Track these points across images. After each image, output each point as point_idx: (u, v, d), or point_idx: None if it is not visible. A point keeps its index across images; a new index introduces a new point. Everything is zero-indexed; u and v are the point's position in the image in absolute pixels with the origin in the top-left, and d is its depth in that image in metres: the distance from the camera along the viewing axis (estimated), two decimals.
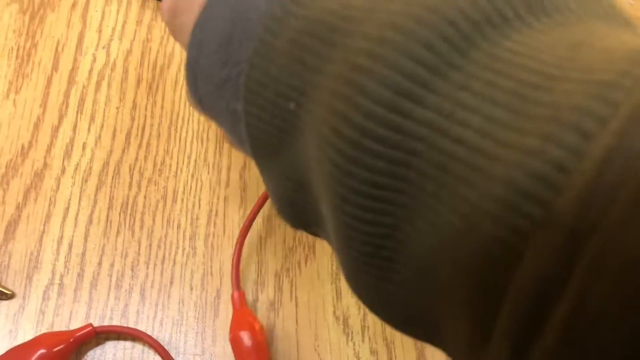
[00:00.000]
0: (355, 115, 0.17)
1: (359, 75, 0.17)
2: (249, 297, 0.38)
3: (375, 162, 0.17)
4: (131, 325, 0.37)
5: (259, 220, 0.40)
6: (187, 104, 0.43)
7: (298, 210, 0.23)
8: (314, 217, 0.22)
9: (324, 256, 0.39)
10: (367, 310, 0.36)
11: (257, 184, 0.41)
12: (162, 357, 0.35)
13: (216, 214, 0.40)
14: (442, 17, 0.16)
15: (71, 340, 0.34)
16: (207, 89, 0.23)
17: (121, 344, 0.36)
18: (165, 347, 0.36)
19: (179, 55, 0.45)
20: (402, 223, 0.17)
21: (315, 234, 0.25)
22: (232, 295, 0.37)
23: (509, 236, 0.14)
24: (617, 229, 0.13)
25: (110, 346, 0.36)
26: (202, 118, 0.43)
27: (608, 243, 0.13)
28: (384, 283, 0.19)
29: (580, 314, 0.13)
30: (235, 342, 0.35)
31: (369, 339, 0.37)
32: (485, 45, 0.16)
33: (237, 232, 0.39)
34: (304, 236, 0.40)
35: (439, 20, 0.16)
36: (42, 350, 0.34)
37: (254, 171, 0.41)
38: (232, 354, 0.35)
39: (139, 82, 0.44)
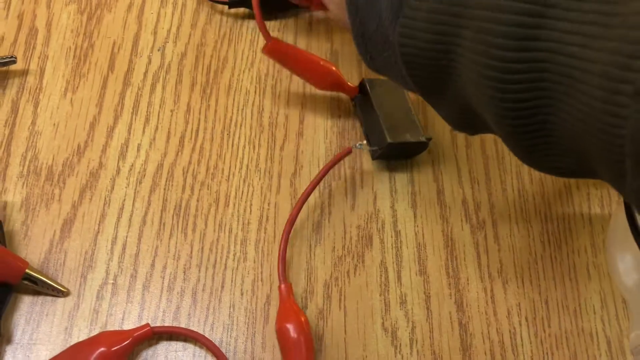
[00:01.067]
0: (498, 63, 0.25)
1: (491, 36, 0.25)
2: (298, 304, 0.38)
3: (518, 84, 0.25)
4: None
5: (308, 228, 0.40)
6: (240, 109, 0.44)
7: (466, 124, 0.32)
8: (480, 124, 0.30)
9: (372, 266, 0.39)
10: (415, 323, 0.36)
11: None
12: (218, 359, 0.36)
13: (267, 220, 0.40)
14: None
15: (130, 339, 0.35)
16: (378, 59, 0.32)
17: (172, 345, 0.37)
18: None
19: (232, 59, 0.46)
20: (550, 117, 0.25)
21: (478, 133, 0.33)
22: (279, 288, 0.37)
23: (613, 108, 0.22)
24: None
25: (162, 347, 0.37)
26: (255, 124, 0.43)
27: None
28: (546, 155, 0.27)
29: None
30: (281, 332, 0.36)
31: (417, 352, 0.37)
32: None
33: None
34: (353, 245, 0.40)
35: None
36: (102, 349, 0.34)
37: (304, 178, 0.42)
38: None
39: (193, 85, 0.44)
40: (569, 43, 0.23)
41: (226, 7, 0.47)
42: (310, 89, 0.45)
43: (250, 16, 0.47)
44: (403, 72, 0.30)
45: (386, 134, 0.39)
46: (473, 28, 0.26)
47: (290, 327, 0.36)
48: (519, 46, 0.24)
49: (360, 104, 0.43)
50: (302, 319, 0.36)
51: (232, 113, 0.44)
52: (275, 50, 0.41)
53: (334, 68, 0.42)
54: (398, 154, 0.42)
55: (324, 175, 0.39)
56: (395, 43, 0.29)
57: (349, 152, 0.40)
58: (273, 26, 0.47)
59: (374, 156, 0.42)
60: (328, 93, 0.45)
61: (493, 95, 0.26)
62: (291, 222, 0.38)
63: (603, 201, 0.42)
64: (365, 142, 0.41)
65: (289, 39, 0.47)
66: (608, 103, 0.22)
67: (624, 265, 0.38)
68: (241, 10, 0.47)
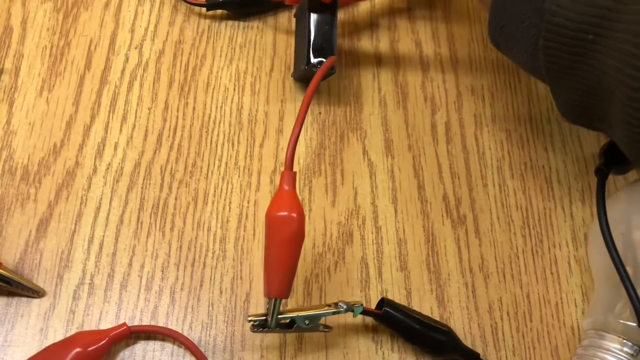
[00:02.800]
0: None
1: None
2: None
3: None
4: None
5: None
6: (219, 106, 0.43)
7: (582, 112, 0.32)
8: (597, 115, 0.30)
9: (353, 263, 0.39)
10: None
11: None
12: (197, 358, 0.35)
13: (246, 218, 0.40)
14: None
15: (106, 339, 0.34)
16: (510, 29, 0.32)
17: (150, 345, 0.36)
18: None
19: (210, 57, 0.45)
20: None
21: (594, 128, 0.34)
22: (282, 174, 0.33)
23: None
24: None
25: (140, 347, 0.36)
26: (234, 121, 0.43)
27: None
28: None
29: None
30: (273, 219, 0.32)
31: (398, 348, 0.37)
32: None
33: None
34: (333, 242, 0.40)
35: None
36: (78, 349, 0.34)
37: None
38: None
39: (171, 83, 0.44)
40: None
41: (204, 9, 0.46)
42: (291, 85, 0.44)
43: (229, 17, 0.47)
44: (540, 42, 0.30)
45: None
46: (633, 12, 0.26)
47: (286, 217, 0.32)
48: None
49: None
50: (300, 212, 0.32)
51: (211, 110, 0.43)
52: None
53: None
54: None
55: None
56: (546, 10, 0.29)
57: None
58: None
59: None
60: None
61: (633, 86, 0.26)
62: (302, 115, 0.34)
63: (584, 195, 0.42)
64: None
65: (268, 37, 0.46)
66: None
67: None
68: (219, 11, 0.47)
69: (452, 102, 0.45)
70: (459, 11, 0.48)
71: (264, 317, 0.33)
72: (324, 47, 0.40)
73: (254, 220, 0.40)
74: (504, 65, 0.47)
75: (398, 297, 0.38)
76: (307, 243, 0.40)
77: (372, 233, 0.40)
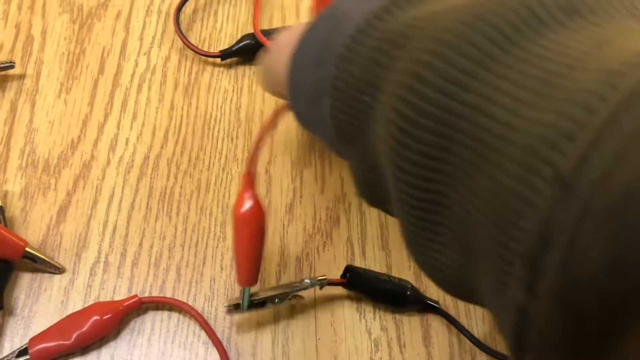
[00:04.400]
0: (413, 98, 0.21)
1: (420, 67, 0.21)
2: (272, 278, 0.42)
3: (427, 136, 0.21)
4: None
5: (282, 210, 0.45)
6: (219, 106, 0.48)
7: (372, 190, 0.28)
8: (383, 194, 0.26)
9: (340, 243, 0.44)
10: None
11: (280, 178, 0.46)
12: (200, 324, 0.40)
13: None
14: (488, 22, 0.21)
15: (120, 308, 0.39)
16: (304, 104, 0.29)
17: (159, 314, 0.41)
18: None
19: (212, 61, 0.50)
20: (448, 190, 0.21)
21: (386, 211, 0.29)
22: (243, 176, 0.37)
23: (526, 191, 0.18)
24: (602, 182, 0.16)
25: (149, 316, 0.41)
26: (233, 119, 0.48)
27: (596, 193, 0.16)
28: (434, 245, 0.23)
29: (574, 251, 0.17)
30: (237, 218, 0.37)
31: (380, 317, 0.41)
32: (523, 42, 0.20)
33: None
34: (322, 225, 0.44)
35: (485, 25, 0.21)
36: (95, 317, 0.38)
37: (278, 166, 0.46)
38: (256, 326, 0.40)
39: (176, 85, 0.49)
40: (497, 103, 0.19)
41: (218, 59, 0.49)
42: None
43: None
44: (331, 98, 0.27)
45: None
46: (405, 61, 0.23)
47: (247, 215, 0.37)
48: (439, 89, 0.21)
49: None
50: (260, 210, 0.37)
51: (212, 109, 0.48)
52: None
53: None
54: None
55: None
56: (330, 73, 0.26)
57: None
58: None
59: None
60: None
61: (398, 139, 0.22)
62: (266, 128, 0.38)
63: None
64: None
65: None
66: (521, 183, 0.18)
67: None
68: (220, 17, 0.52)
69: None
70: None
71: (238, 302, 0.38)
72: None
73: None
74: None
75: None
76: (298, 225, 0.44)
77: (357, 217, 0.45)
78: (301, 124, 0.32)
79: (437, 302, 0.41)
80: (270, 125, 0.38)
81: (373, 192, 0.28)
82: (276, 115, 0.38)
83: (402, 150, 0.22)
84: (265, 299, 0.39)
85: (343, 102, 0.26)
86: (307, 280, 0.39)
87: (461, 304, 0.42)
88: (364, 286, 0.41)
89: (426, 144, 0.21)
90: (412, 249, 0.25)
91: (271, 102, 0.48)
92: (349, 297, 0.42)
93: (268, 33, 0.50)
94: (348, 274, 0.41)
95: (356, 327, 0.41)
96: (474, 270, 0.22)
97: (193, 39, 0.51)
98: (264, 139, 0.38)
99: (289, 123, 0.48)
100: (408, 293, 0.41)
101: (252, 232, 0.37)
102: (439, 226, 0.22)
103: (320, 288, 0.40)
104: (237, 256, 0.38)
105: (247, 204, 0.37)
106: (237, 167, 0.46)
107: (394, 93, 0.22)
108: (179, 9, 0.51)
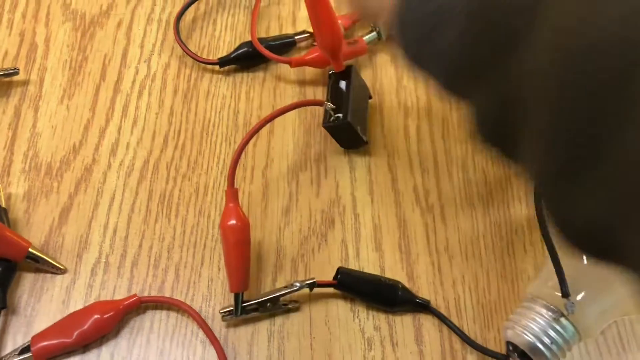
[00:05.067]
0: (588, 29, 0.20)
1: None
2: (268, 278, 0.44)
3: (599, 82, 0.20)
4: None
5: (278, 212, 0.46)
6: (217, 111, 0.50)
7: (498, 128, 0.27)
8: (511, 133, 0.25)
9: (334, 244, 0.45)
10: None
11: (277, 182, 0.47)
12: (198, 323, 0.41)
13: (241, 206, 0.46)
14: None
15: (120, 307, 0.40)
16: (416, 35, 0.28)
17: (157, 314, 0.42)
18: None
19: (210, 68, 0.51)
20: (619, 129, 0.20)
21: (505, 152, 0.28)
22: (226, 191, 0.41)
23: None
24: None
25: (148, 315, 0.42)
26: (231, 124, 0.49)
27: None
28: (581, 189, 0.22)
29: None
30: (224, 230, 0.40)
31: (373, 316, 0.43)
32: None
33: (258, 223, 0.45)
34: (317, 227, 0.45)
35: None
36: (96, 316, 0.39)
37: (274, 170, 0.47)
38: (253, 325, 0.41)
39: (175, 91, 0.50)
40: None
41: (217, 67, 0.51)
42: (280, 93, 0.51)
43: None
44: (463, 24, 0.25)
45: (349, 114, 0.45)
46: None
47: (233, 226, 0.40)
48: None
49: (334, 81, 0.47)
50: (244, 221, 0.41)
51: (211, 115, 0.49)
52: None
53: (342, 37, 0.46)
54: (340, 137, 0.47)
55: (297, 107, 0.46)
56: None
57: (319, 103, 0.46)
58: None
59: (326, 123, 0.45)
60: (296, 98, 0.50)
61: (576, 68, 0.20)
62: (250, 134, 0.43)
63: None
64: (332, 105, 0.44)
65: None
66: None
67: None
68: (219, 25, 0.53)
69: (422, 107, 0.51)
70: None
71: (232, 308, 0.40)
72: (340, 104, 0.45)
73: (247, 209, 0.46)
74: None
75: (374, 274, 0.44)
76: (294, 228, 0.45)
77: (351, 219, 0.46)
78: (408, 60, 0.30)
79: (428, 302, 0.42)
80: (245, 142, 0.42)
81: (498, 131, 0.27)
82: (251, 134, 0.42)
83: (580, 80, 0.20)
84: (257, 304, 0.41)
85: (480, 29, 0.24)
86: (296, 284, 0.41)
87: (452, 303, 0.43)
88: (355, 287, 0.42)
89: (606, 72, 0.20)
90: (552, 194, 0.23)
91: (268, 108, 0.50)
92: (344, 297, 0.43)
93: (265, 41, 0.51)
94: (339, 276, 0.42)
95: (350, 327, 0.42)
96: (628, 222, 0.20)
97: (192, 47, 0.52)
98: (240, 155, 0.42)
99: (285, 127, 0.49)
100: (399, 293, 0.42)
101: (237, 241, 0.41)
102: (595, 170, 0.21)
103: (310, 290, 0.41)
104: (227, 264, 0.41)
105: (231, 217, 0.41)
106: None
107: (564, 24, 0.21)
108: (179, 17, 0.52)
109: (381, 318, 0.43)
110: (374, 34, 0.52)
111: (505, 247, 0.46)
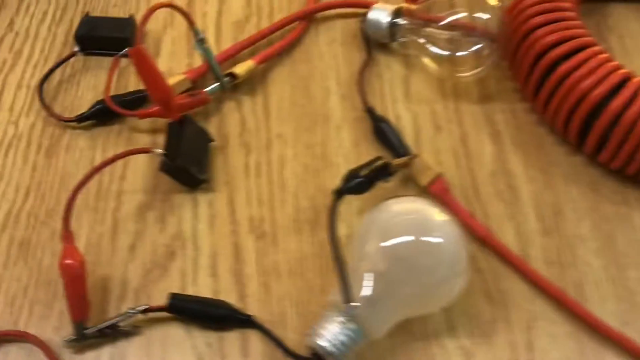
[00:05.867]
0: None
1: None
2: (113, 308, 0.49)
3: None
4: None
5: (125, 250, 0.51)
6: (75, 162, 0.56)
7: None
8: None
9: (175, 274, 0.50)
10: None
11: (125, 221, 0.53)
12: (44, 352, 0.46)
13: (92, 245, 0.52)
14: None
15: None
16: None
17: (10, 346, 0.47)
18: None
19: (72, 124, 0.58)
20: None
21: None
22: (62, 234, 0.47)
23: None
24: None
25: (2, 350, 0.47)
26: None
27: None
28: None
29: None
30: (63, 269, 0.46)
31: (205, 335, 0.48)
32: None
33: (105, 259, 0.51)
34: (159, 259, 0.51)
35: None
36: None
37: (123, 212, 0.53)
38: None
39: (39, 148, 0.57)
40: None
41: (76, 123, 0.58)
42: (135, 143, 0.57)
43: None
44: None
45: (178, 158, 0.51)
46: None
47: (68, 264, 0.46)
48: None
49: (170, 129, 0.53)
50: (78, 259, 0.47)
51: (69, 166, 0.56)
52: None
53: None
54: (179, 178, 0.53)
55: (119, 157, 0.51)
56: None
57: (146, 151, 0.52)
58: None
59: (162, 168, 0.51)
60: (149, 146, 0.57)
61: None
62: (79, 186, 0.48)
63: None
64: (162, 151, 0.51)
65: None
66: None
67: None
68: (82, 86, 0.60)
69: (262, 146, 0.57)
70: None
71: (73, 337, 0.46)
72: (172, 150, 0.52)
73: (97, 248, 0.52)
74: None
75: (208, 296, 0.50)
76: (138, 262, 0.51)
77: (191, 250, 0.52)
78: None
79: (249, 316, 0.48)
80: (80, 186, 0.48)
81: None
82: (87, 177, 0.48)
83: None
84: (98, 331, 0.46)
85: None
86: (130, 311, 0.46)
87: (277, 317, 0.49)
88: (185, 310, 0.48)
89: None
90: None
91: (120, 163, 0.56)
92: (180, 320, 0.49)
93: (119, 97, 0.57)
94: (170, 300, 0.47)
95: (183, 345, 0.48)
96: None
97: (58, 106, 0.59)
98: (72, 202, 0.48)
99: (136, 171, 0.55)
100: (222, 312, 0.47)
101: (73, 277, 0.46)
102: None
103: (144, 314, 0.47)
104: (67, 297, 0.46)
105: (67, 256, 0.47)
106: (89, 215, 0.53)
107: None
108: (41, 83, 0.59)
109: (213, 336, 0.48)
110: (217, 85, 0.59)
111: (325, 264, 0.51)
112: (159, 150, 0.51)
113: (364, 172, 0.50)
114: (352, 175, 0.50)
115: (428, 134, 0.59)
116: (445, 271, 0.45)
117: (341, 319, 0.44)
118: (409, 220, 0.47)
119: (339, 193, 0.49)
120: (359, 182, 0.50)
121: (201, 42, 0.56)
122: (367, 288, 0.44)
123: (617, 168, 0.55)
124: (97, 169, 0.49)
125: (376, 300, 0.44)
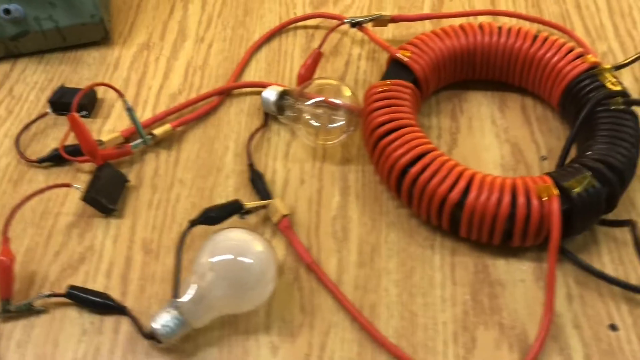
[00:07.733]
0: None
1: None
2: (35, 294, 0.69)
3: None
4: None
5: (50, 255, 0.72)
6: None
7: None
8: None
9: (84, 275, 0.70)
10: None
11: (58, 235, 0.73)
12: None
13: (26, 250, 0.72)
14: None
15: None
16: None
17: None
18: None
19: (37, 165, 0.80)
20: None
21: None
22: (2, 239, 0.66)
23: None
24: None
25: None
26: (39, 207, 0.76)
27: None
28: None
29: None
30: None
31: (94, 317, 0.67)
32: None
33: (41, 259, 0.71)
34: (74, 262, 0.71)
35: None
36: None
37: (59, 226, 0.74)
38: None
39: (15, 184, 0.78)
40: None
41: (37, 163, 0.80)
42: (82, 181, 0.78)
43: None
44: None
45: (91, 192, 0.71)
46: None
47: (3, 260, 0.65)
48: None
49: (95, 172, 0.74)
50: (11, 257, 0.65)
51: (31, 201, 0.77)
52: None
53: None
54: (95, 206, 0.72)
55: (46, 190, 0.71)
56: None
57: (67, 185, 0.72)
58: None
59: (81, 197, 0.71)
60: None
61: None
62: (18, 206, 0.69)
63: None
64: (79, 186, 0.71)
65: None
66: None
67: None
68: (50, 139, 0.82)
69: (166, 187, 0.77)
70: None
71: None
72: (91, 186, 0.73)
73: (36, 252, 0.72)
74: None
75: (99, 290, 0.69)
76: (58, 263, 0.71)
77: (97, 258, 0.71)
78: None
79: (124, 307, 0.66)
80: (18, 207, 0.68)
81: None
82: (23, 201, 0.68)
83: None
84: (17, 307, 0.66)
85: None
86: (39, 295, 0.66)
87: (144, 310, 0.67)
88: (79, 297, 0.67)
89: None
90: None
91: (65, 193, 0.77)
92: (75, 305, 0.68)
93: (71, 147, 0.79)
94: (69, 290, 0.67)
95: (75, 322, 0.66)
96: None
97: (31, 151, 0.81)
98: (13, 217, 0.67)
99: (72, 198, 0.76)
100: (104, 302, 0.66)
101: (5, 268, 0.65)
102: None
103: (49, 298, 0.66)
104: None
105: (3, 254, 0.66)
106: (32, 229, 0.74)
107: None
108: (19, 135, 0.81)
109: (96, 317, 0.67)
110: (141, 141, 0.79)
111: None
112: (78, 185, 0.72)
113: (215, 210, 0.69)
114: (207, 210, 0.69)
115: (294, 185, 0.77)
116: (253, 283, 0.63)
117: (171, 310, 0.62)
118: (233, 244, 0.65)
119: (192, 223, 0.68)
120: (210, 216, 0.68)
121: (129, 110, 0.77)
122: (191, 289, 0.62)
123: (424, 218, 0.72)
124: (30, 197, 0.70)
125: (198, 300, 0.62)
